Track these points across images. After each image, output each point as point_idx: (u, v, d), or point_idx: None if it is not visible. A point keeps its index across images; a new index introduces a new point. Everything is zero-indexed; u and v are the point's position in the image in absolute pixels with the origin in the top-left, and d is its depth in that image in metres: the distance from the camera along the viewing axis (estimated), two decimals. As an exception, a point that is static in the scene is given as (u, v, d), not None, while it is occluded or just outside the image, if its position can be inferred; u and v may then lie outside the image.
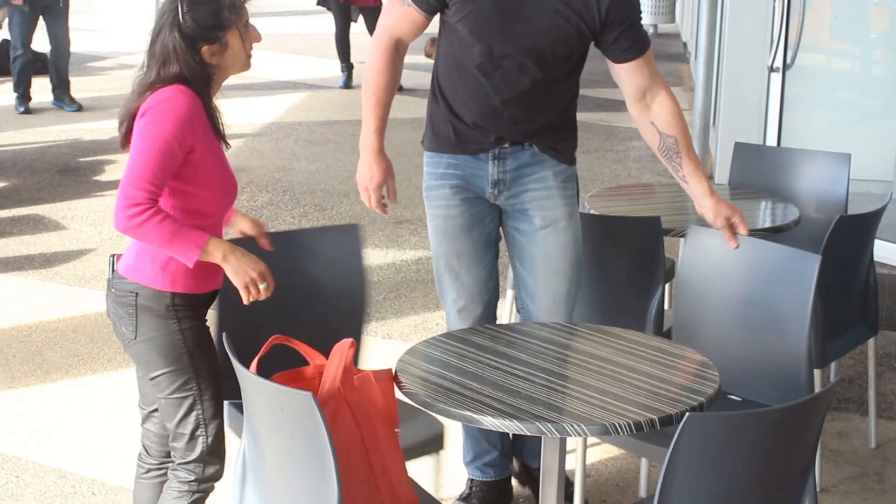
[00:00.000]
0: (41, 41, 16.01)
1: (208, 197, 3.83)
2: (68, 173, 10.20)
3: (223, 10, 3.79)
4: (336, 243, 4.51)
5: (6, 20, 12.20)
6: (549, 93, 4.30)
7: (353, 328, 4.39)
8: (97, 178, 10.12)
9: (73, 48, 14.63)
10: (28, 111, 12.66)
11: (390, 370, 3.56)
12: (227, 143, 3.92)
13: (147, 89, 3.77)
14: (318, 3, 14.55)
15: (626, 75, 4.30)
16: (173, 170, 3.71)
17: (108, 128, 11.93)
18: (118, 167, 10.43)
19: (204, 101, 3.80)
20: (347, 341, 3.53)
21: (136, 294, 3.83)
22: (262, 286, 3.72)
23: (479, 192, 4.40)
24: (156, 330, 3.82)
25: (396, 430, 3.57)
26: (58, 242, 8.28)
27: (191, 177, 3.77)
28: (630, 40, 4.24)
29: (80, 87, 14.09)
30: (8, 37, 13.10)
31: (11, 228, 8.58)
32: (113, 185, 9.80)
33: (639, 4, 4.30)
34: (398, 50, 4.37)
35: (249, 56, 3.92)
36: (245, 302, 3.74)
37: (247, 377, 3.37)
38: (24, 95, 12.75)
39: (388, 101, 4.40)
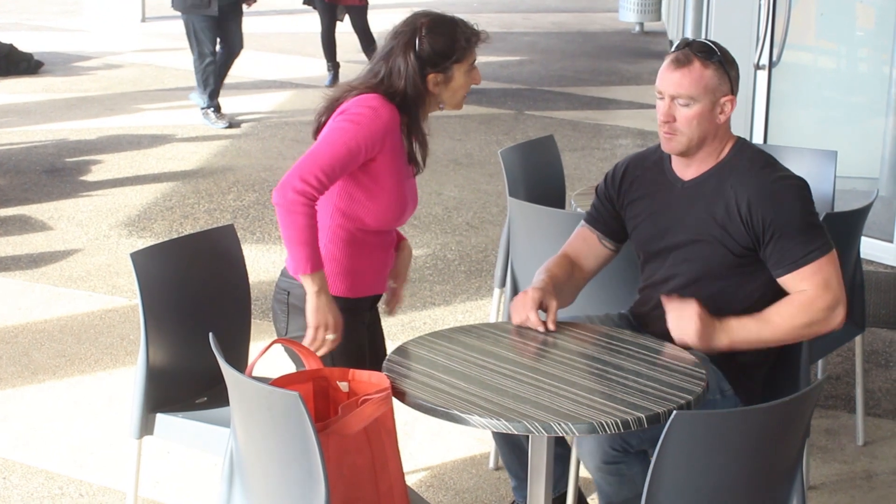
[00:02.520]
0: (32, 40, 16.00)
1: (372, 209, 3.97)
2: (55, 173, 10.18)
3: (459, 41, 3.96)
4: (217, 243, 4.54)
5: None
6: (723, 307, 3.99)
7: (243, 319, 4.57)
8: (83, 178, 10.10)
9: (58, 48, 14.64)
10: (231, 124, 12.18)
11: (389, 391, 3.51)
12: (418, 168, 4.08)
13: (364, 91, 3.94)
14: (305, 3, 14.54)
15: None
16: (349, 170, 3.87)
17: (93, 127, 11.91)
18: (104, 167, 10.42)
19: (410, 123, 3.98)
20: (389, 391, 3.48)
21: (288, 293, 4.05)
22: (329, 336, 3.87)
23: None
24: (302, 329, 3.95)
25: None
26: (44, 243, 8.26)
27: (364, 183, 3.94)
28: (778, 254, 3.87)
29: (65, 87, 14.09)
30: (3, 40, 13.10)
31: (-3, 229, 8.56)
32: (99, 185, 9.79)
33: (802, 212, 3.88)
34: (571, 268, 4.17)
35: (465, 96, 4.06)
36: (306, 344, 3.85)
37: (234, 377, 3.36)
38: (218, 107, 12.22)
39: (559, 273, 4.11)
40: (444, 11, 4.07)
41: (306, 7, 14.67)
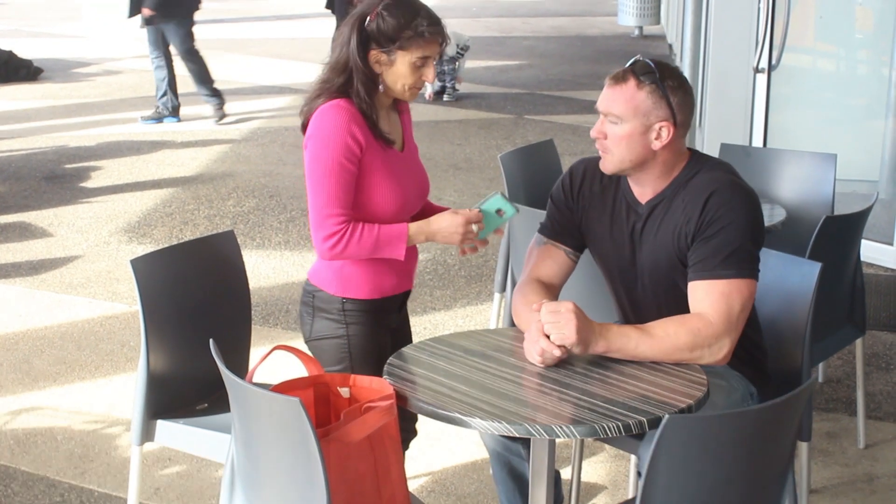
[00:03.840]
0: (31, 46, 16.01)
1: (376, 200, 3.96)
2: (54, 180, 10.18)
3: (407, 29, 3.88)
4: (217, 249, 4.56)
5: None
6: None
7: (244, 325, 4.58)
8: (83, 184, 10.11)
9: (57, 54, 14.57)
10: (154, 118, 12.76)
11: (393, 400, 3.51)
12: (392, 143, 4.03)
13: (320, 91, 3.95)
14: (326, 6, 14.60)
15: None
16: (353, 185, 3.90)
17: (93, 134, 11.91)
18: (104, 173, 10.43)
19: (368, 106, 3.93)
20: (392, 399, 3.46)
21: (313, 296, 4.09)
22: (473, 235, 3.96)
23: None
24: (326, 331, 4.06)
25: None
26: (44, 250, 8.26)
27: (358, 184, 3.93)
28: (699, 255, 3.74)
29: (65, 94, 14.09)
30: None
31: (-3, 236, 8.56)
32: (99, 191, 9.80)
33: (745, 224, 3.72)
34: (546, 291, 3.96)
35: (415, 88, 3.99)
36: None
37: (235, 383, 3.36)
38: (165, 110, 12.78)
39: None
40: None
41: (302, 12, 14.67)
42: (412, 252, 4.17)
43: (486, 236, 4.01)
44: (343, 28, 3.96)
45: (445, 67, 13.77)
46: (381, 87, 3.95)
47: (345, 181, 3.86)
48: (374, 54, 3.90)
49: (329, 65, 3.97)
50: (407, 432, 4.23)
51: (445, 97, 13.91)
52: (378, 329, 4.08)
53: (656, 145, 3.80)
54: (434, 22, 3.92)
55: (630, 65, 3.85)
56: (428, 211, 4.20)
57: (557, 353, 3.56)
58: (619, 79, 3.81)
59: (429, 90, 13.77)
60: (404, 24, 3.87)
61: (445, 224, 3.95)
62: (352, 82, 3.91)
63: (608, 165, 3.86)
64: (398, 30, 3.87)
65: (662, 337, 3.64)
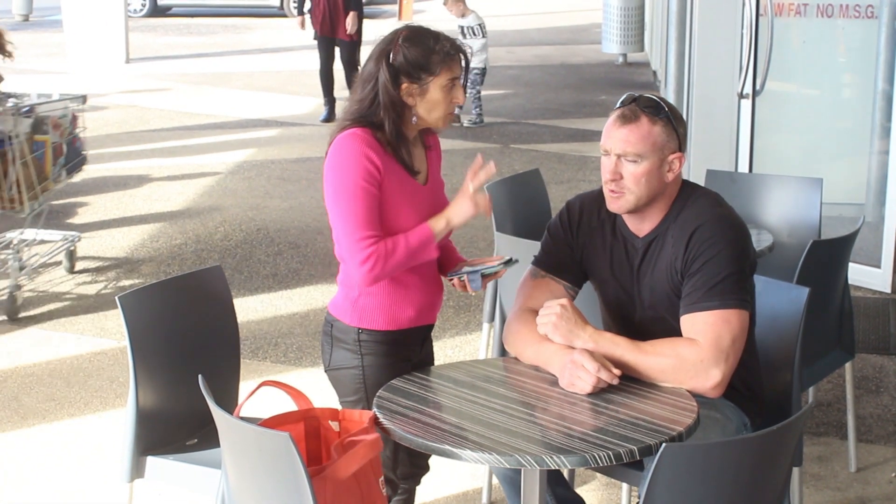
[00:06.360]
0: (16, 83, 16.00)
1: (393, 227, 3.97)
2: (40, 216, 10.14)
3: (434, 55, 3.94)
4: (205, 284, 4.56)
5: None
6: None
7: (233, 359, 4.58)
8: (70, 220, 10.09)
9: (41, 90, 14.52)
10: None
11: (377, 435, 3.51)
12: (417, 174, 4.09)
13: (346, 117, 4.01)
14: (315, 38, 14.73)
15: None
16: (377, 205, 3.93)
17: (79, 170, 11.88)
18: (91, 209, 10.41)
19: (393, 138, 3.97)
20: (377, 439, 3.48)
21: (332, 325, 4.13)
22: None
23: None
24: (343, 361, 4.09)
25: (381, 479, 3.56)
26: (32, 286, 8.23)
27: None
28: (687, 289, 3.77)
29: (51, 130, 14.06)
30: None
31: (-16, 274, 8.54)
32: (86, 227, 9.77)
33: (729, 255, 3.74)
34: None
35: (449, 115, 4.04)
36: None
37: (224, 418, 3.35)
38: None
39: None
40: (429, 26, 4.03)
41: (288, 46, 14.76)
42: (434, 287, 4.17)
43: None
44: (367, 66, 4.00)
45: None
46: (413, 119, 4.00)
47: (369, 203, 3.89)
48: (406, 87, 3.94)
49: (355, 100, 4.02)
50: (420, 468, 4.23)
51: (466, 123, 14.15)
52: (396, 361, 4.05)
53: (669, 178, 3.84)
54: (452, 41, 4.00)
55: (633, 101, 3.84)
56: (449, 253, 4.25)
57: (607, 377, 3.60)
58: (630, 118, 3.80)
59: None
60: (430, 49, 3.93)
61: (460, 210, 4.06)
62: (377, 115, 3.95)
63: (625, 205, 3.85)
64: (427, 57, 3.93)
65: (649, 351, 3.69)
